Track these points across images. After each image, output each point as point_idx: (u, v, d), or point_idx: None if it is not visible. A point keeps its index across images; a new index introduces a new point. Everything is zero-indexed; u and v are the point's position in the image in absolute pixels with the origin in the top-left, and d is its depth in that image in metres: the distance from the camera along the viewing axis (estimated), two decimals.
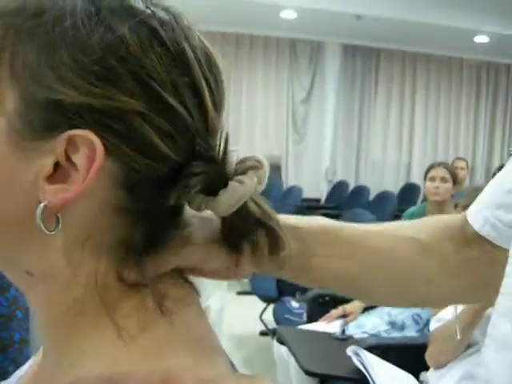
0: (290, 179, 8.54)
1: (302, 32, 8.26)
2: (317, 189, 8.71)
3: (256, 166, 0.50)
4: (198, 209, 0.49)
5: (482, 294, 0.73)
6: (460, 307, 2.06)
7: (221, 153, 0.49)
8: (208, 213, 0.51)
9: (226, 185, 0.48)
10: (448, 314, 2.20)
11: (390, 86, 9.06)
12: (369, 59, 8.90)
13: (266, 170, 0.50)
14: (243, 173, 0.49)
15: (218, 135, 0.50)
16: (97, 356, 0.47)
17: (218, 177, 0.48)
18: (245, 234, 0.52)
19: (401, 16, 7.19)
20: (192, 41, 0.48)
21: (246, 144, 8.21)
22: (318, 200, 8.48)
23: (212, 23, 6.33)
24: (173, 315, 0.49)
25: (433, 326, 2.33)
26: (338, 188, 8.44)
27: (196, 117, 0.47)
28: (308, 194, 8.19)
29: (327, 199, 8.45)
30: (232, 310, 4.27)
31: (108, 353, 0.47)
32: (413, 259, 0.66)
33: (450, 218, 0.71)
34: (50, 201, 0.44)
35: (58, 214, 0.45)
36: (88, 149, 0.43)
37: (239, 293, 5.47)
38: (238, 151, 0.50)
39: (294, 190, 7.65)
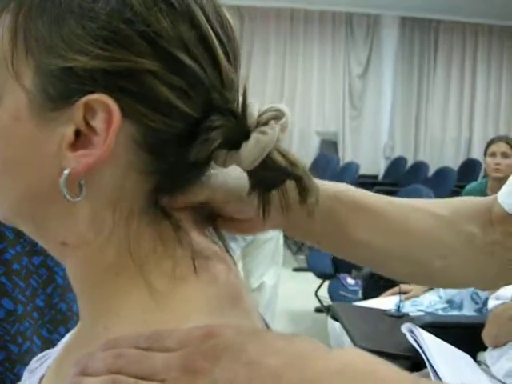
0: (346, 155, 8.44)
1: (358, 5, 8.11)
2: (374, 165, 8.61)
3: (277, 115, 0.50)
4: (223, 164, 0.49)
5: (507, 279, 0.72)
6: None
7: (240, 106, 0.49)
8: (237, 174, 0.51)
9: (248, 138, 0.48)
10: (507, 292, 2.15)
11: (450, 58, 8.80)
12: (427, 32, 8.66)
13: (288, 118, 0.50)
14: (265, 124, 0.49)
15: (236, 89, 0.50)
16: (129, 319, 0.48)
17: (238, 130, 0.48)
18: (273, 186, 0.52)
19: None
20: None
21: (302, 120, 8.18)
22: (375, 176, 8.38)
23: None
24: (204, 273, 0.50)
25: (491, 303, 2.28)
26: (396, 164, 8.31)
27: (209, 71, 0.47)
28: (365, 170, 8.09)
29: (385, 175, 8.35)
30: (287, 287, 4.30)
31: (140, 315, 0.48)
32: (428, 231, 0.65)
33: (477, 199, 0.71)
34: (73, 167, 0.45)
35: (81, 181, 0.46)
36: (105, 112, 0.44)
37: (295, 269, 5.49)
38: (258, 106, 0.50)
39: (350, 166, 7.55)
